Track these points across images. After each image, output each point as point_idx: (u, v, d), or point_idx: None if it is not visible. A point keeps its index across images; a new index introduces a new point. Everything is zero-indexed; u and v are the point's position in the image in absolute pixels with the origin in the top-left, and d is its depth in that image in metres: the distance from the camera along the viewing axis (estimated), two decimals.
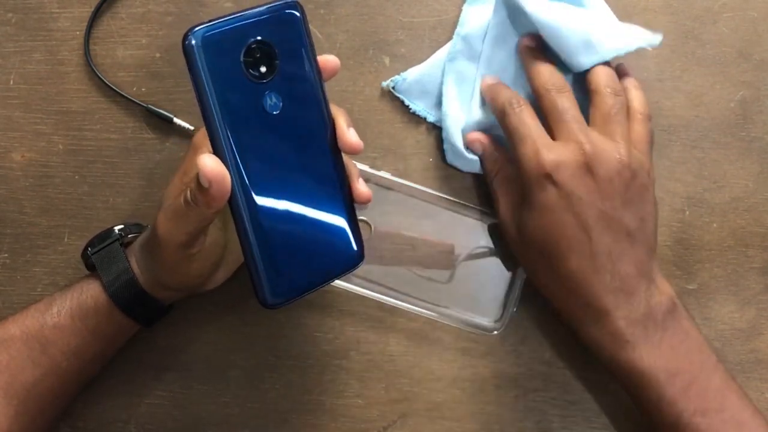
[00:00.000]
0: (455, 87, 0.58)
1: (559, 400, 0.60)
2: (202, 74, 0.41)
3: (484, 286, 0.59)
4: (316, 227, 0.46)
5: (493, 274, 0.59)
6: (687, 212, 0.61)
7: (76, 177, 0.61)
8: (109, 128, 0.61)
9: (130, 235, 0.55)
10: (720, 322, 0.61)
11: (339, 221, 0.47)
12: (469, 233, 0.59)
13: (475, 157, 0.57)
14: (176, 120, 0.60)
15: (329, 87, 0.45)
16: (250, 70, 0.42)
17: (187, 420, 0.61)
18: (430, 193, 0.59)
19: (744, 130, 0.61)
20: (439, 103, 0.59)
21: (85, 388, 0.58)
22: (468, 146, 0.57)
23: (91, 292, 0.53)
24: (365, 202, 0.46)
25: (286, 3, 0.43)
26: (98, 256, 0.53)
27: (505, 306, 0.59)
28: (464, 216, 0.59)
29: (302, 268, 0.46)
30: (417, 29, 0.61)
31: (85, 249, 0.54)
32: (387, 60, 0.61)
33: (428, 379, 0.60)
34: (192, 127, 0.60)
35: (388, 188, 0.59)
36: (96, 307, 0.52)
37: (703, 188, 0.61)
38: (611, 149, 0.49)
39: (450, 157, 0.59)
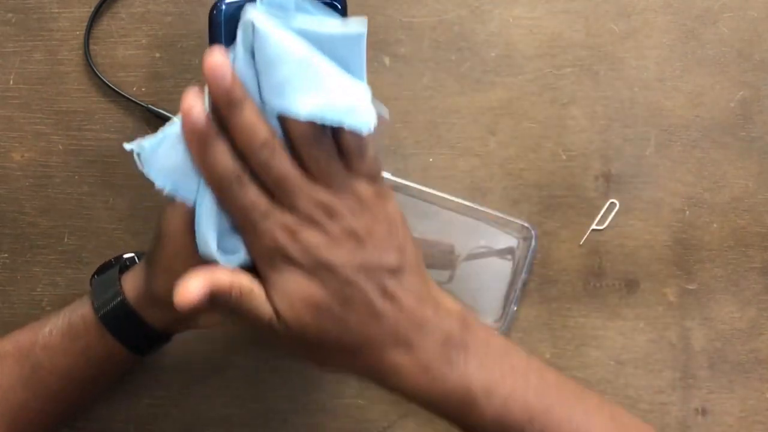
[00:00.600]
0: None
1: None
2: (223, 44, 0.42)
3: (484, 286, 0.59)
4: None
5: (493, 274, 0.59)
6: (687, 212, 0.61)
7: (76, 177, 0.61)
8: (109, 128, 0.61)
9: (135, 263, 0.53)
10: (720, 322, 0.60)
11: None
12: (469, 233, 0.59)
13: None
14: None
15: None
16: None
17: (187, 420, 0.61)
18: (430, 193, 0.59)
19: (744, 130, 0.61)
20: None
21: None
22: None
23: (81, 311, 0.51)
24: None
25: None
26: (97, 280, 0.52)
27: (505, 306, 0.59)
28: (464, 216, 0.59)
29: None
30: (417, 29, 0.61)
31: (93, 276, 0.54)
32: (387, 60, 0.61)
33: None
34: None
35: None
36: (85, 328, 0.50)
37: (703, 188, 0.61)
38: (338, 203, 0.43)
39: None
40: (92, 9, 0.60)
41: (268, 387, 0.61)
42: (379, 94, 0.61)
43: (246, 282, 0.43)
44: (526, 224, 0.59)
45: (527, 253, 0.59)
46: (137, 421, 0.61)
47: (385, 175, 0.58)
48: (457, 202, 0.59)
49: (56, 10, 0.61)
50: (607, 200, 0.60)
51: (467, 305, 0.59)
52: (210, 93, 0.41)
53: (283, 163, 0.43)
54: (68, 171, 0.61)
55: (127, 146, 0.44)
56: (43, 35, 0.61)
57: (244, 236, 0.44)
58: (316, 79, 0.42)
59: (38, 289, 0.62)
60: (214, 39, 0.42)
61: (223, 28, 0.42)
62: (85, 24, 0.60)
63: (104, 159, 0.61)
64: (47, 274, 0.61)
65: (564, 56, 0.61)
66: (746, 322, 0.60)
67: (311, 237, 0.43)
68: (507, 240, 0.60)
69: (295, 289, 0.43)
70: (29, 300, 0.62)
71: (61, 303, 0.61)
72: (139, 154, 0.44)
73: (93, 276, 0.54)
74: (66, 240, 0.61)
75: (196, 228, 0.45)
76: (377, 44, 0.61)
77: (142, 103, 0.60)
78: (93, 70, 0.60)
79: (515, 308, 0.59)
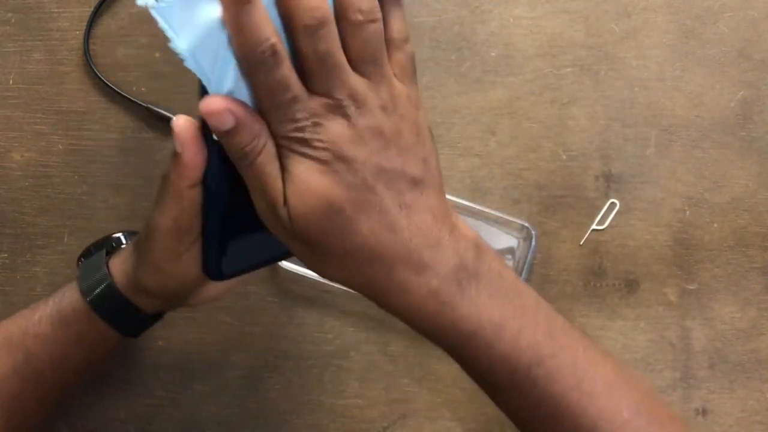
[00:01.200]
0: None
1: None
2: None
3: None
4: None
5: None
6: (687, 212, 0.61)
7: (76, 177, 0.61)
8: (109, 128, 0.61)
9: (122, 246, 0.53)
10: (720, 322, 0.60)
11: None
12: None
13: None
14: None
15: None
16: None
17: (187, 420, 0.61)
18: None
19: (744, 130, 0.61)
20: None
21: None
22: (209, 119, 0.40)
23: (70, 299, 0.50)
24: None
25: None
26: (84, 264, 0.51)
27: None
28: (464, 216, 0.59)
29: (250, 246, 0.45)
30: (417, 29, 0.61)
31: (79, 258, 0.53)
32: None
33: (428, 379, 0.60)
34: None
35: None
36: (75, 315, 0.50)
37: (704, 188, 0.61)
38: (373, 97, 0.41)
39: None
40: (92, 9, 0.60)
41: (268, 387, 0.61)
42: None
43: (269, 142, 0.41)
44: (526, 224, 0.59)
45: (527, 253, 0.59)
46: (137, 421, 0.61)
47: None
48: (457, 202, 0.59)
49: (56, 10, 0.61)
50: (607, 200, 0.60)
51: None
52: None
53: (331, 39, 0.39)
54: (68, 171, 0.61)
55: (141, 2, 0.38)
56: (42, 35, 0.61)
57: (268, 120, 0.41)
58: None
59: (38, 289, 0.61)
60: None
61: None
62: (85, 24, 0.60)
63: (104, 159, 0.61)
64: (47, 274, 0.61)
65: (564, 56, 0.61)
66: (746, 322, 0.60)
67: (336, 127, 0.40)
68: (507, 240, 0.60)
69: (309, 181, 0.40)
70: (29, 300, 0.61)
71: None
72: (155, 8, 0.38)
73: (79, 258, 0.53)
74: (66, 240, 0.61)
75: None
76: None
77: (142, 103, 0.60)
78: (93, 70, 0.60)
79: None
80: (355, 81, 0.40)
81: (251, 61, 0.39)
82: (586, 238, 0.60)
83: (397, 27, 0.42)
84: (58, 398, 0.54)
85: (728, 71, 0.61)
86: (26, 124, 0.61)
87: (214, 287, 0.50)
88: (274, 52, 0.39)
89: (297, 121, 0.40)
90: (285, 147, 0.41)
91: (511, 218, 0.59)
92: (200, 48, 0.40)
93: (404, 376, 0.60)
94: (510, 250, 0.60)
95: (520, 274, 0.58)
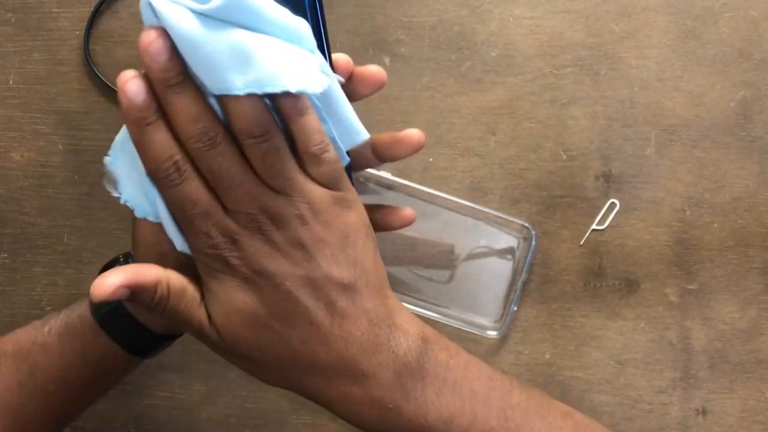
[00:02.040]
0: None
1: (559, 400, 0.60)
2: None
3: (484, 286, 0.59)
4: None
5: (493, 274, 0.59)
6: (687, 212, 0.61)
7: (76, 177, 0.61)
8: (109, 128, 0.61)
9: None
10: (720, 322, 0.60)
11: None
12: (469, 233, 0.59)
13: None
14: None
15: None
16: None
17: (187, 420, 0.60)
18: (430, 193, 0.59)
19: (744, 130, 0.61)
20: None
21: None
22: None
23: (79, 312, 0.49)
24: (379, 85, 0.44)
25: None
26: None
27: (505, 306, 0.59)
28: (464, 216, 0.59)
29: None
30: (417, 29, 0.61)
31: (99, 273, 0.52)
32: (387, 60, 0.61)
33: None
34: None
35: (389, 188, 0.59)
36: (82, 328, 0.49)
37: (704, 188, 0.61)
38: (287, 209, 0.39)
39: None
40: (92, 9, 0.60)
41: (268, 387, 0.60)
42: (379, 94, 0.62)
43: (177, 281, 0.40)
44: (526, 224, 0.59)
45: (527, 253, 0.59)
46: (137, 421, 0.61)
47: (385, 175, 0.58)
48: (457, 202, 0.59)
49: (56, 10, 0.61)
50: (607, 200, 0.60)
51: (467, 305, 0.59)
52: (147, 73, 0.37)
53: (225, 157, 0.38)
54: (68, 171, 0.61)
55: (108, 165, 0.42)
56: (42, 35, 0.61)
57: (184, 233, 0.40)
58: (244, 53, 0.36)
59: (38, 289, 0.61)
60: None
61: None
62: (85, 24, 0.60)
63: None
64: (47, 274, 0.61)
65: (564, 56, 0.61)
66: (746, 322, 0.60)
67: (252, 244, 0.39)
68: (507, 240, 0.60)
69: (232, 299, 0.40)
70: (29, 300, 0.62)
71: (61, 303, 0.61)
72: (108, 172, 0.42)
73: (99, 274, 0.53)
74: (66, 240, 0.61)
75: (164, 225, 0.41)
76: (377, 44, 0.61)
77: None
78: (93, 70, 0.60)
79: (515, 308, 0.59)
80: (266, 196, 0.39)
81: (156, 177, 0.39)
82: (586, 238, 0.60)
83: (308, 140, 0.39)
84: (61, 413, 0.52)
85: (728, 71, 0.61)
86: (26, 124, 0.61)
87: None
88: (177, 169, 0.38)
89: (211, 237, 0.39)
90: (204, 264, 0.40)
91: (511, 218, 0.59)
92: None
93: None
94: (510, 250, 0.60)
95: (520, 274, 0.59)
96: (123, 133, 0.42)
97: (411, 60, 0.60)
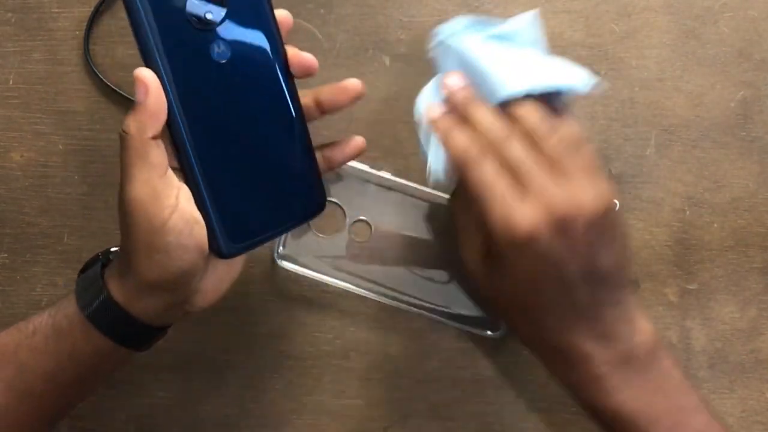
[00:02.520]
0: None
1: (559, 400, 0.60)
2: (144, 20, 0.42)
3: None
4: (272, 172, 0.46)
5: None
6: (687, 212, 0.61)
7: (76, 177, 0.61)
8: (109, 128, 0.61)
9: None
10: (720, 322, 0.60)
11: (297, 166, 0.47)
12: None
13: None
14: None
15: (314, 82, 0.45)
16: (195, 17, 0.43)
17: (187, 420, 0.61)
18: (430, 193, 0.59)
19: (744, 130, 0.61)
20: None
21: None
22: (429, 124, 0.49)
23: (65, 311, 0.49)
24: (309, 71, 0.47)
25: None
26: (80, 278, 0.50)
27: None
28: None
29: (259, 215, 0.46)
30: (417, 29, 0.61)
31: (78, 274, 0.52)
32: (387, 60, 0.61)
33: (428, 380, 0.60)
34: None
35: (389, 188, 0.59)
36: (70, 328, 0.48)
37: (704, 188, 0.61)
38: (581, 197, 0.44)
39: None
40: (92, 9, 0.60)
41: (268, 387, 0.61)
42: (379, 94, 0.62)
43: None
44: None
45: None
46: (137, 421, 0.61)
47: (385, 175, 0.58)
48: None
49: (56, 10, 0.61)
50: None
51: (467, 305, 0.59)
52: (450, 102, 0.48)
53: (517, 148, 0.45)
54: (68, 171, 0.61)
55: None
56: (43, 35, 0.61)
57: (482, 211, 0.46)
58: (518, 64, 0.48)
59: (38, 289, 0.61)
60: (132, 13, 0.43)
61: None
62: (85, 24, 0.60)
63: (104, 159, 0.61)
64: (47, 274, 0.61)
65: (564, 56, 0.61)
66: (746, 322, 0.60)
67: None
68: None
69: (523, 272, 0.45)
70: (29, 300, 0.62)
71: None
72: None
73: (79, 273, 0.52)
74: (66, 240, 0.61)
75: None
76: (377, 44, 0.61)
77: None
78: (93, 70, 0.60)
79: None
80: (562, 185, 0.44)
81: (462, 165, 0.46)
82: None
83: (571, 130, 0.46)
84: (51, 416, 0.52)
85: (728, 71, 0.61)
86: (26, 124, 0.61)
87: (214, 281, 0.48)
88: (479, 151, 0.46)
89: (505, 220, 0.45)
90: (506, 249, 0.45)
91: None
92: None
93: (404, 376, 0.60)
94: None
95: None
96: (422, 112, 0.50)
97: (411, 60, 0.60)
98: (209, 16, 0.43)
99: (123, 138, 0.44)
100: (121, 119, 0.61)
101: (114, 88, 0.60)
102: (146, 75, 0.43)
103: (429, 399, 0.60)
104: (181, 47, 0.43)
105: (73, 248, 0.61)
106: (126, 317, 0.47)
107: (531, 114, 0.46)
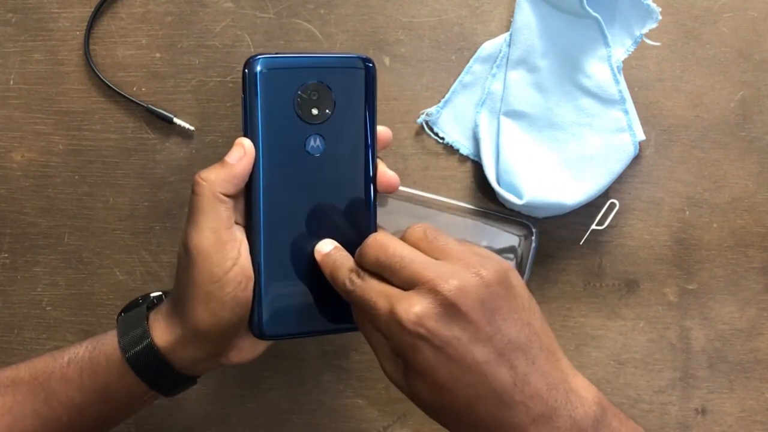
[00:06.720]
0: (488, 119, 0.60)
1: None
2: (257, 100, 0.44)
3: None
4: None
5: None
6: (687, 212, 0.61)
7: (76, 177, 0.61)
8: (109, 128, 0.61)
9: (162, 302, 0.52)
10: (720, 322, 0.61)
11: None
12: (471, 234, 0.59)
13: (519, 201, 0.57)
14: (176, 120, 0.60)
15: None
16: (301, 109, 0.45)
17: (187, 420, 0.61)
18: (429, 197, 0.59)
19: (744, 130, 0.61)
20: (472, 135, 0.60)
21: None
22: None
23: (103, 349, 0.49)
24: (390, 190, 0.48)
25: (359, 57, 0.46)
26: (123, 318, 0.50)
27: None
28: (464, 217, 0.59)
29: (303, 311, 0.47)
30: (417, 29, 0.61)
31: (120, 313, 0.53)
32: (387, 60, 0.61)
33: None
34: (192, 128, 0.60)
35: (403, 199, 0.59)
36: (107, 366, 0.49)
37: (703, 188, 0.61)
38: (463, 276, 0.42)
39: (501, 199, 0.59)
40: (92, 9, 0.60)
41: (268, 387, 0.61)
42: (379, 94, 0.62)
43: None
44: (526, 222, 0.59)
45: (529, 251, 0.59)
46: (137, 421, 0.61)
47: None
48: (458, 205, 0.59)
49: (56, 10, 0.61)
50: (607, 200, 0.60)
51: None
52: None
53: (397, 249, 0.44)
54: (68, 171, 0.61)
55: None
56: (43, 35, 0.61)
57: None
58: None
59: (38, 289, 0.62)
60: (249, 92, 0.45)
61: (262, 83, 0.44)
62: (85, 24, 0.60)
63: (104, 159, 0.61)
64: (47, 274, 0.61)
65: None
66: (746, 322, 0.61)
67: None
68: (508, 239, 0.60)
69: (427, 366, 0.42)
70: (29, 300, 0.62)
71: (61, 303, 0.61)
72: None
73: (120, 313, 0.53)
74: (66, 240, 0.61)
75: (483, 161, 0.58)
76: (377, 44, 0.61)
77: (142, 103, 0.60)
78: (93, 70, 0.60)
79: None
80: (441, 265, 0.43)
81: (339, 286, 0.45)
82: (586, 238, 0.60)
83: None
84: None
85: (728, 71, 0.61)
86: (26, 124, 0.61)
87: (253, 340, 0.49)
88: (357, 273, 0.45)
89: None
90: (402, 347, 0.42)
91: (511, 216, 0.59)
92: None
93: None
94: (512, 249, 0.60)
95: (523, 274, 0.58)
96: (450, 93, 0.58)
97: (411, 60, 0.60)
98: (315, 112, 0.45)
99: (198, 184, 0.44)
100: (121, 119, 0.61)
101: (114, 88, 0.60)
102: (246, 144, 0.45)
103: None
104: (281, 131, 0.45)
105: (73, 248, 0.61)
106: (164, 364, 0.48)
107: (414, 230, 0.45)
